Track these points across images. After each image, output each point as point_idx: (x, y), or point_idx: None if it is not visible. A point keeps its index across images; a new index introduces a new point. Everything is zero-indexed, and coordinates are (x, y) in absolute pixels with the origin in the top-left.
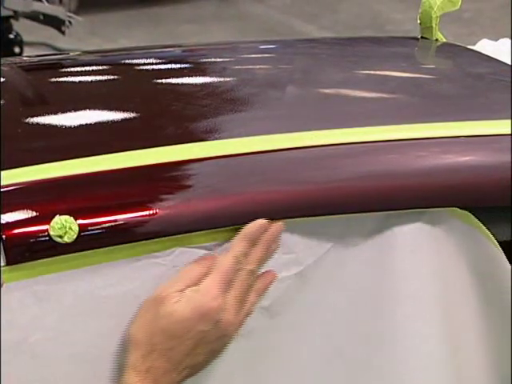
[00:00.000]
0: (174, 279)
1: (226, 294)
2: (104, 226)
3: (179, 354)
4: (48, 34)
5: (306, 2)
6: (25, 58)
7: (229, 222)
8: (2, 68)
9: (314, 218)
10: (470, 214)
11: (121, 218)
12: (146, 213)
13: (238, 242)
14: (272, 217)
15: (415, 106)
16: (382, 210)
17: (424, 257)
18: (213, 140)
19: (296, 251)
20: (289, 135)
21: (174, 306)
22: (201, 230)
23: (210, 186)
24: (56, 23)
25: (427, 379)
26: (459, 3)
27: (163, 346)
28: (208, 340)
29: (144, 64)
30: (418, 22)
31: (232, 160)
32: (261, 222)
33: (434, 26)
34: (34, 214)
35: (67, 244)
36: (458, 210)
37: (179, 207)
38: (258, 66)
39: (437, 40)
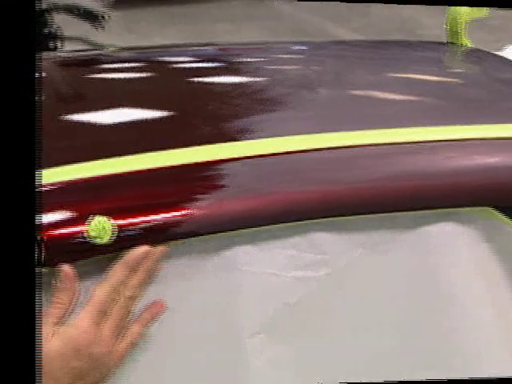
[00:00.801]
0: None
1: (100, 326)
2: (141, 226)
3: None
4: (84, 28)
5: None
6: (62, 54)
7: (262, 221)
8: (41, 63)
9: (346, 221)
10: (495, 211)
11: (158, 218)
12: (183, 212)
13: (116, 271)
14: (305, 216)
15: (445, 109)
16: (412, 209)
17: (458, 254)
18: (246, 140)
19: (327, 252)
20: (321, 136)
21: (46, 345)
22: (236, 230)
23: (245, 185)
24: (92, 18)
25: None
26: (486, 10)
27: None
28: (84, 374)
29: (179, 62)
30: (446, 27)
31: (265, 160)
32: (142, 249)
33: (461, 31)
34: (72, 214)
35: (105, 245)
36: (488, 209)
37: (215, 207)
38: (291, 67)
39: (464, 45)
